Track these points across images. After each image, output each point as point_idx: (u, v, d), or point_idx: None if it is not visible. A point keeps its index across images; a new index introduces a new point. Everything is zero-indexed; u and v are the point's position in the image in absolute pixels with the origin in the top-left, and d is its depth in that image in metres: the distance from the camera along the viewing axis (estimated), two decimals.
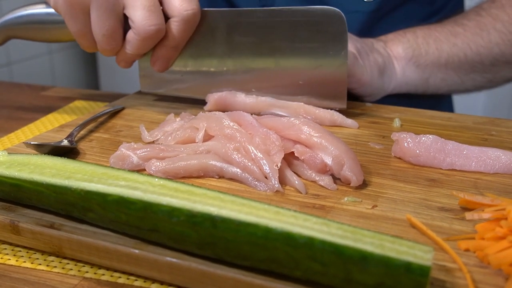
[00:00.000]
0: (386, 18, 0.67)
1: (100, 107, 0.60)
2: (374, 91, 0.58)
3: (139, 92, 0.61)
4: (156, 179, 0.33)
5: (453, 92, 0.69)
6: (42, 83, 1.76)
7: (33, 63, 1.77)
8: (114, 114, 0.54)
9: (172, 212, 0.29)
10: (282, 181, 0.39)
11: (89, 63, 1.98)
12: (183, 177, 0.40)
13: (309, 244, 0.26)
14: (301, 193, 0.38)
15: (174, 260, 0.30)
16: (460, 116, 0.55)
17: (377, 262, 0.25)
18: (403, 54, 0.60)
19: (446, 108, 0.76)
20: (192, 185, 0.32)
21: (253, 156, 0.39)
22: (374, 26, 0.66)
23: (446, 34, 0.62)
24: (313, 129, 0.40)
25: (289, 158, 0.41)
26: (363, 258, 0.25)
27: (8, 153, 0.38)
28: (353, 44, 0.54)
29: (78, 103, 0.65)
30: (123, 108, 0.56)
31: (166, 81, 0.57)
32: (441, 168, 0.42)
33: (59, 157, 0.37)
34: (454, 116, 0.54)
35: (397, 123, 0.52)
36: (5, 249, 0.35)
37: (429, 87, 0.63)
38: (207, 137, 0.43)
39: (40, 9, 0.55)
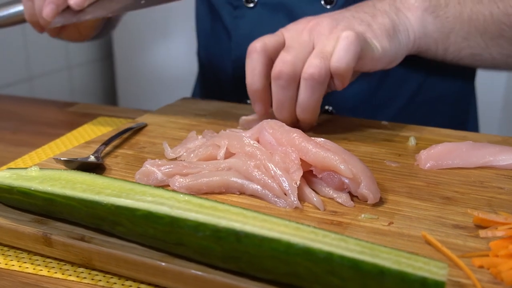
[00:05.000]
0: None
1: (123, 124, 0.62)
2: (391, 59, 0.56)
3: (160, 109, 0.63)
4: (181, 195, 0.35)
5: (477, 62, 0.62)
6: (61, 97, 1.81)
7: (53, 78, 1.81)
8: (137, 130, 0.56)
9: (198, 227, 0.31)
10: (301, 198, 0.40)
11: (108, 78, 2.02)
12: (206, 193, 0.42)
13: (329, 259, 0.27)
14: (319, 209, 0.39)
15: (199, 273, 0.31)
16: (475, 135, 0.56)
17: (394, 277, 0.27)
18: (416, 4, 0.57)
19: (472, 127, 0.77)
20: (216, 201, 0.34)
21: (273, 173, 0.41)
22: None
23: None
24: (331, 147, 0.42)
25: (308, 176, 0.42)
26: (380, 273, 0.27)
27: (39, 168, 0.40)
28: (352, 26, 0.53)
29: (101, 119, 0.67)
30: (145, 125, 0.58)
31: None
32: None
33: (87, 173, 0.39)
34: (468, 135, 0.55)
35: (412, 141, 0.53)
36: (37, 260, 0.37)
37: (450, 46, 0.59)
38: (228, 155, 0.45)
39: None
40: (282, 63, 0.50)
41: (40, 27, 0.64)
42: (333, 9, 0.64)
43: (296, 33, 0.53)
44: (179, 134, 0.55)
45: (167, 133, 0.56)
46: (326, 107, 0.69)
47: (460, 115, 0.75)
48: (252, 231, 0.29)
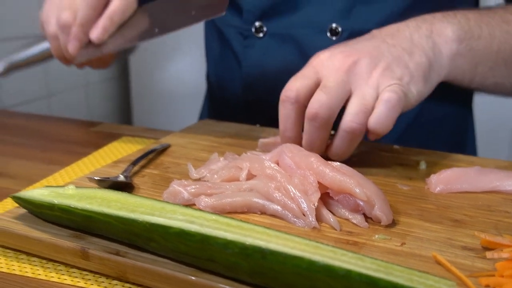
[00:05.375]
0: None
1: (147, 144, 0.66)
2: (422, 99, 0.55)
3: (182, 131, 0.67)
4: (209, 215, 0.38)
5: (499, 90, 0.64)
6: (78, 113, 1.85)
7: (70, 95, 1.86)
8: (161, 151, 0.59)
9: (227, 245, 0.33)
10: (319, 218, 0.43)
11: (123, 96, 2.07)
12: (229, 212, 0.44)
13: (347, 276, 0.30)
14: (335, 229, 0.42)
15: (227, 287, 0.34)
16: (483, 160, 0.58)
17: None
18: (453, 37, 0.57)
19: (470, 150, 0.80)
20: (241, 220, 0.37)
21: (292, 195, 0.44)
22: None
23: (497, 20, 0.60)
24: (347, 172, 0.45)
25: (325, 198, 0.45)
26: None
27: (76, 187, 0.43)
28: (391, 69, 0.52)
29: (125, 139, 0.70)
30: (169, 146, 0.61)
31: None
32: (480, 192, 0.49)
33: (120, 192, 0.42)
34: (477, 160, 0.58)
35: (423, 165, 0.56)
36: (74, 272, 0.40)
37: (476, 76, 0.60)
38: (250, 176, 0.48)
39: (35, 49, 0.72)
40: (319, 105, 0.50)
41: (66, 61, 0.69)
42: (338, 40, 0.68)
43: (333, 72, 0.52)
44: (201, 155, 0.58)
45: (190, 154, 0.59)
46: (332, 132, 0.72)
47: (458, 137, 0.78)
48: (276, 249, 0.32)
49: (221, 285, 0.34)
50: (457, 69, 0.58)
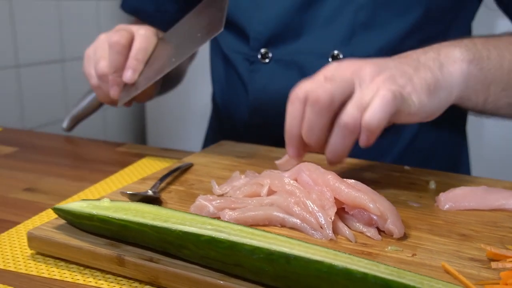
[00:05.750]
0: None
1: (169, 163, 0.70)
2: (429, 113, 0.56)
3: (203, 151, 0.71)
4: (235, 225, 0.41)
5: None
6: (95, 133, 1.90)
7: (88, 119, 1.90)
8: (185, 169, 0.63)
9: (254, 251, 0.37)
10: (335, 231, 0.46)
11: (138, 117, 2.12)
12: (251, 225, 0.48)
13: (364, 279, 0.33)
14: (351, 241, 0.45)
15: None
16: (490, 180, 0.62)
17: None
18: (461, 57, 0.58)
19: (465, 170, 0.84)
20: (264, 230, 0.40)
21: (311, 209, 0.47)
22: None
23: (505, 42, 0.63)
24: (362, 188, 0.48)
25: (341, 212, 0.48)
26: None
27: (110, 200, 0.47)
28: (393, 77, 0.53)
29: (148, 158, 0.74)
30: (192, 165, 0.65)
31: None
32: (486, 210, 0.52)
33: (151, 205, 0.46)
34: (484, 180, 0.61)
35: (432, 185, 0.59)
36: (109, 278, 0.43)
37: (490, 97, 0.61)
38: (270, 192, 0.51)
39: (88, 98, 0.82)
40: (322, 91, 0.51)
41: (114, 104, 0.75)
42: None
43: (340, 70, 0.54)
44: (223, 173, 0.62)
45: (212, 172, 0.62)
46: None
47: (452, 162, 0.82)
48: (300, 254, 0.36)
49: None
50: (470, 89, 0.59)
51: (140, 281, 0.42)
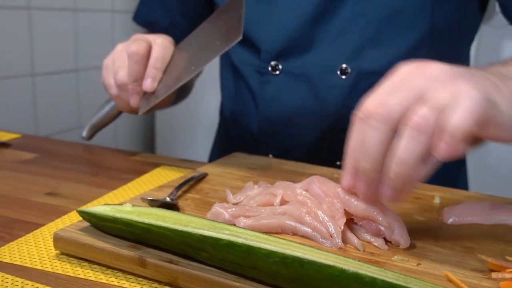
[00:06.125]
0: (364, 94, 0.76)
1: (182, 172, 0.72)
2: None
3: (217, 162, 0.73)
4: (250, 231, 0.44)
5: None
6: (106, 143, 1.94)
7: None
8: (200, 179, 0.66)
9: (270, 254, 0.39)
10: (344, 240, 0.49)
11: (148, 127, 2.16)
12: (265, 232, 0.50)
13: (373, 283, 0.36)
14: (359, 250, 0.48)
15: None
16: (492, 197, 0.64)
17: None
18: None
19: (462, 184, 0.86)
20: (278, 237, 0.43)
21: (321, 219, 0.50)
22: (353, 100, 0.75)
23: None
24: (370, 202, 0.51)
25: (349, 223, 0.51)
26: None
27: (132, 205, 0.50)
28: (476, 81, 0.43)
29: (163, 167, 0.77)
30: (206, 174, 0.67)
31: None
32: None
33: (171, 210, 0.49)
34: (486, 197, 0.64)
35: (437, 200, 0.61)
36: (131, 278, 0.46)
37: None
38: (283, 202, 0.54)
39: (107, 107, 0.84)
40: (380, 104, 0.43)
41: (134, 112, 0.77)
42: (348, 79, 0.75)
43: (407, 76, 0.45)
44: (236, 183, 0.65)
45: (226, 182, 0.65)
46: (338, 163, 0.78)
47: (451, 173, 0.84)
48: (313, 258, 0.38)
49: None
50: None
51: (160, 282, 0.45)
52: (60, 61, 1.73)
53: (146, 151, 2.08)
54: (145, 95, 0.74)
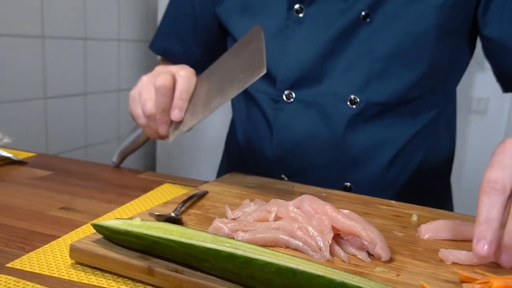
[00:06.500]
0: (370, 122, 0.79)
1: (185, 190, 0.74)
2: None
3: (216, 180, 0.75)
4: (248, 245, 0.45)
5: None
6: (111, 161, 1.95)
7: (104, 146, 1.96)
8: (201, 196, 0.67)
9: (266, 265, 0.41)
10: (332, 253, 0.51)
11: (149, 147, 2.17)
12: (260, 245, 0.52)
13: None
14: (345, 262, 0.49)
15: None
16: (464, 215, 0.66)
17: None
18: None
19: (448, 206, 0.89)
20: (273, 250, 0.45)
21: (311, 234, 0.52)
22: (359, 126, 0.78)
23: None
24: (355, 218, 0.53)
25: (337, 238, 0.53)
26: None
27: (141, 219, 0.51)
28: None
29: (167, 185, 0.79)
30: (207, 192, 0.69)
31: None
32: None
33: (176, 225, 0.50)
34: (459, 216, 0.66)
35: (415, 217, 0.63)
36: (140, 286, 0.47)
37: None
38: (277, 218, 0.56)
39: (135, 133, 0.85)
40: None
41: (160, 138, 0.79)
42: (357, 109, 0.77)
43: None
44: (234, 200, 0.67)
45: (225, 199, 0.67)
46: (346, 184, 0.81)
47: (442, 195, 0.86)
48: (304, 269, 0.40)
49: None
50: None
51: None
52: (70, 85, 1.75)
53: (148, 170, 2.09)
54: (173, 123, 0.75)
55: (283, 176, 0.82)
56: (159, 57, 1.03)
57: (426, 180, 0.84)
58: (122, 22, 1.98)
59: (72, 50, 1.75)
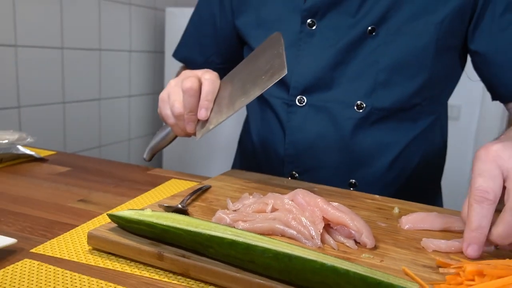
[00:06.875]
0: (375, 126, 0.79)
1: (190, 185, 0.74)
2: None
3: (218, 176, 0.75)
4: (248, 233, 0.46)
5: None
6: (122, 160, 1.94)
7: (116, 146, 1.95)
8: (205, 190, 0.67)
9: (265, 251, 0.41)
10: (323, 241, 0.51)
11: (158, 153, 2.17)
12: (259, 234, 0.52)
13: (346, 274, 0.38)
14: (334, 249, 0.50)
15: (262, 281, 0.42)
16: (440, 209, 0.66)
17: (386, 285, 0.37)
18: None
19: (439, 203, 0.89)
20: (270, 238, 0.45)
21: (304, 223, 0.52)
22: (364, 129, 0.78)
23: None
24: (343, 210, 0.53)
25: (327, 227, 0.53)
26: (378, 284, 0.37)
27: (152, 210, 0.51)
28: None
29: (174, 181, 0.79)
30: (210, 187, 0.69)
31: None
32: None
33: (183, 215, 0.50)
34: (435, 209, 0.66)
35: (396, 210, 0.64)
36: (150, 269, 0.47)
37: None
38: (273, 209, 0.56)
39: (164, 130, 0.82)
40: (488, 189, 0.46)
41: (188, 136, 0.78)
42: (363, 113, 0.77)
43: (496, 160, 0.48)
44: (234, 194, 0.67)
45: (226, 193, 0.67)
46: (351, 180, 0.81)
47: (436, 192, 0.87)
48: (299, 254, 0.40)
49: (257, 280, 0.42)
50: None
51: (174, 273, 0.46)
52: (86, 91, 1.75)
53: (155, 166, 2.09)
54: (200, 122, 0.74)
55: (294, 173, 0.82)
56: (181, 64, 1.03)
57: (423, 178, 0.84)
58: (133, 35, 1.98)
59: (88, 59, 1.74)
